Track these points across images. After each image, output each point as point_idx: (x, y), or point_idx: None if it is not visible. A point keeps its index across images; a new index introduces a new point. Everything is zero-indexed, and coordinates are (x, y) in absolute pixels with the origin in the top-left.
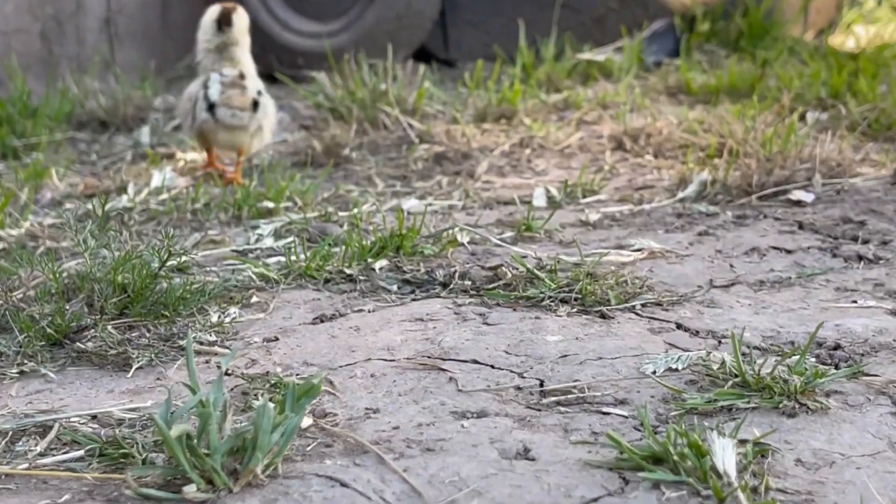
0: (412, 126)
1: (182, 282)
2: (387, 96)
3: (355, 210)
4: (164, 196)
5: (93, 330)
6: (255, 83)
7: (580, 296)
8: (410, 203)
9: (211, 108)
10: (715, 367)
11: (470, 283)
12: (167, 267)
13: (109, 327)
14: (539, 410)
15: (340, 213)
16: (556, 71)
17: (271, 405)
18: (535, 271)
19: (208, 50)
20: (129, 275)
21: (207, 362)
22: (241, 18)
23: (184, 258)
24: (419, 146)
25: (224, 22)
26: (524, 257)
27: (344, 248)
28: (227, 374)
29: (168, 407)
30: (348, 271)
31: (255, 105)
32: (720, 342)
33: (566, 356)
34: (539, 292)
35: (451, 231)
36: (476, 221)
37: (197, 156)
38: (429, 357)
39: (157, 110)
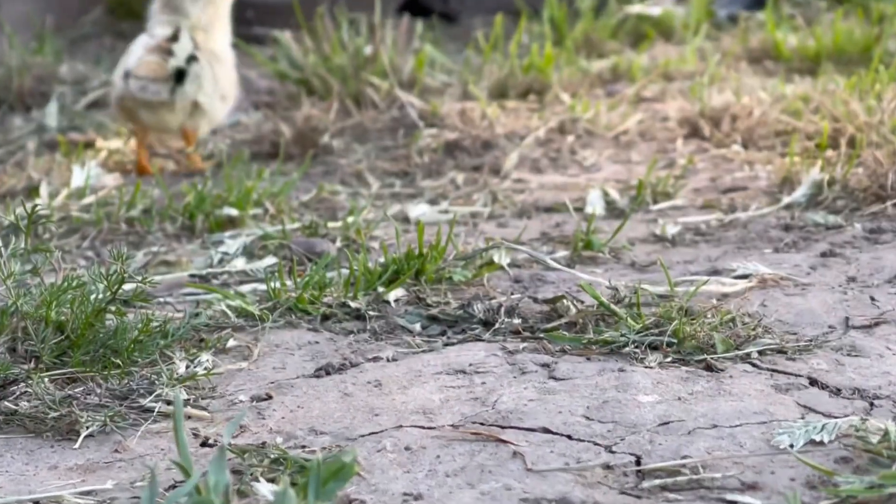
0: (412, 104)
1: (136, 319)
2: (375, 63)
3: (350, 219)
4: (89, 199)
5: (24, 384)
6: (187, 46)
7: (674, 340)
8: (419, 209)
9: (127, 77)
10: (874, 439)
11: (521, 321)
12: (118, 298)
13: (46, 381)
14: (638, 498)
15: (329, 224)
16: (598, 29)
17: (292, 492)
18: (611, 306)
19: None
20: (66, 309)
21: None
22: None
23: (141, 286)
24: (424, 131)
25: None
26: (591, 285)
27: (344, 273)
28: (207, 444)
29: (153, 494)
30: (354, 304)
31: (180, 75)
32: (872, 404)
33: (667, 423)
34: (619, 335)
35: (489, 250)
36: (518, 237)
37: (122, 144)
38: (481, 424)
39: (63, 82)
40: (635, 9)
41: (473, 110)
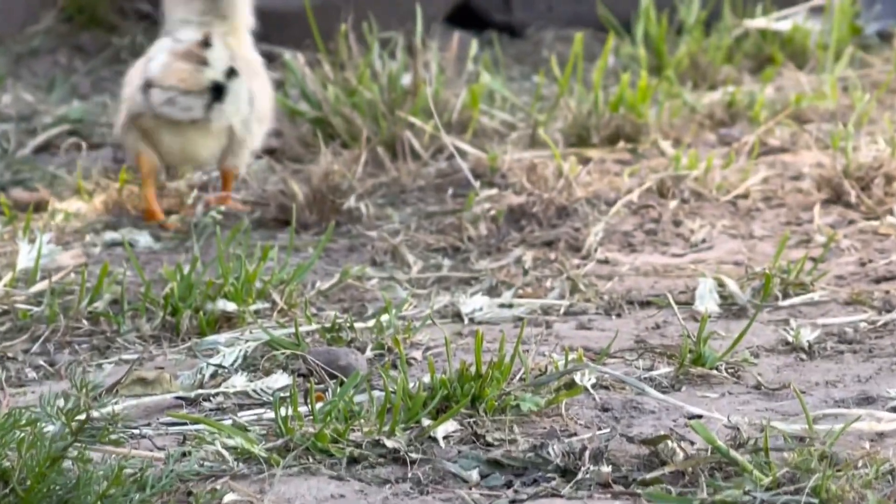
0: (464, 154)
1: (104, 464)
2: (416, 98)
3: (384, 317)
4: (41, 286)
5: None
6: (223, 56)
7: (815, 501)
8: (474, 303)
9: (148, 88)
10: None
11: (611, 468)
12: (81, 439)
13: None
14: None
15: (357, 325)
16: (708, 50)
17: None
18: (731, 452)
19: None
20: (11, 453)
21: None
22: None
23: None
24: (479, 192)
25: None
26: (698, 418)
27: (378, 397)
28: None
29: None
30: (390, 443)
31: (218, 91)
32: None
33: None
34: (742, 493)
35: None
36: (607, 348)
37: (86, 207)
38: None
39: (4, 117)
40: (757, 23)
41: (545, 164)
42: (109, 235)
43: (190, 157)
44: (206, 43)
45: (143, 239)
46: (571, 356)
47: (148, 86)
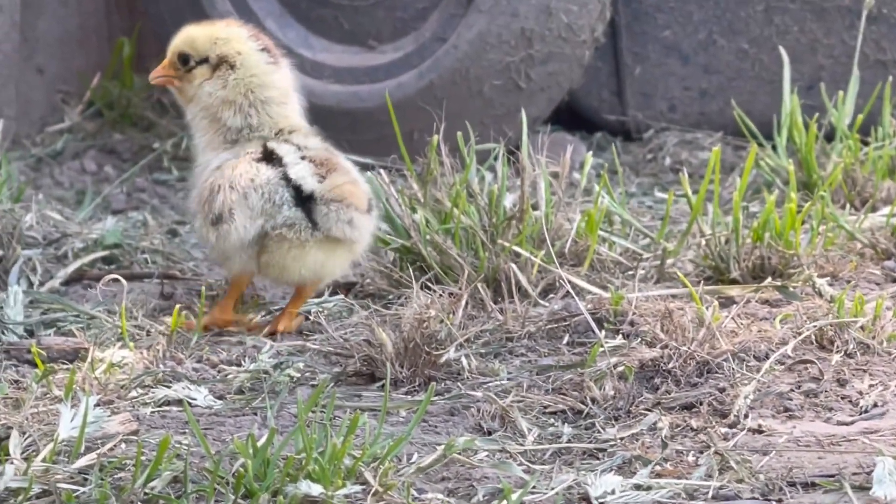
0: (581, 292)
1: None
2: (521, 223)
3: None
4: (86, 460)
5: None
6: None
7: None
8: (604, 483)
9: (303, 202)
10: None
11: None
12: None
13: None
14: None
15: None
16: (865, 163)
17: None
18: None
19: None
20: None
21: None
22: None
23: None
24: (604, 342)
25: (275, 54)
26: None
27: None
28: None
29: None
30: None
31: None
32: None
33: None
34: None
35: None
36: None
37: (132, 356)
38: None
39: (29, 242)
40: None
41: (682, 311)
42: (162, 392)
43: (317, 277)
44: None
45: (202, 397)
46: None
47: (306, 199)
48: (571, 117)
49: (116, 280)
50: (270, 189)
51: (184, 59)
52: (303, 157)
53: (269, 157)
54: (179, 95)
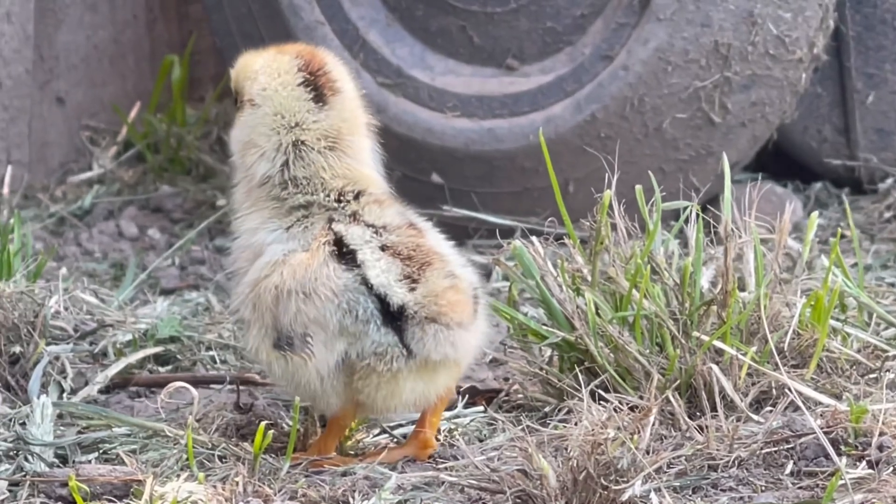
0: (808, 402)
1: None
2: (725, 309)
3: None
4: None
5: None
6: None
7: None
8: None
9: (394, 319)
10: None
11: None
12: None
13: None
14: None
15: None
16: None
17: None
18: None
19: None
20: None
21: None
22: (345, 79)
23: None
24: (844, 472)
25: (324, 89)
26: None
27: None
28: None
29: None
30: None
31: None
32: None
33: None
34: None
35: None
36: None
37: (203, 491)
38: None
39: (56, 336)
40: None
41: None
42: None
43: (411, 404)
44: (411, 223)
45: None
46: None
47: (397, 316)
48: (781, 162)
49: (181, 386)
50: (350, 299)
51: (234, 97)
52: (383, 248)
53: (339, 248)
54: None
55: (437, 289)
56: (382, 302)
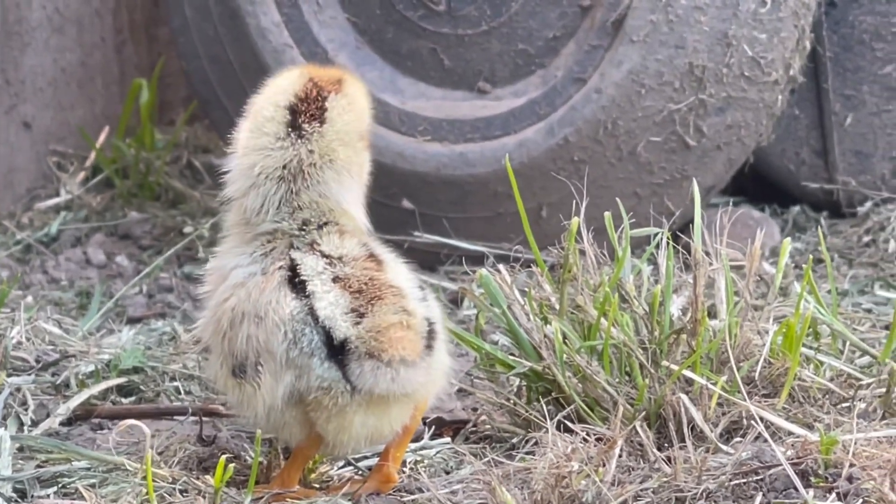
0: (777, 433)
1: None
2: (695, 338)
3: None
4: None
5: None
6: (398, 269)
7: None
8: None
9: (336, 353)
10: None
11: None
12: None
13: None
14: None
15: None
16: None
17: None
18: None
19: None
20: None
21: None
22: (352, 100)
23: None
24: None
25: (307, 113)
26: None
27: None
28: None
29: None
30: None
31: (430, 338)
32: None
33: None
34: None
35: None
36: None
37: None
38: None
39: (17, 367)
40: None
41: None
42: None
43: (364, 439)
44: (371, 254)
45: None
46: None
47: (339, 350)
48: (758, 186)
49: (143, 419)
50: (296, 329)
51: None
52: (335, 279)
53: (293, 274)
54: None
55: (381, 324)
56: (328, 335)
